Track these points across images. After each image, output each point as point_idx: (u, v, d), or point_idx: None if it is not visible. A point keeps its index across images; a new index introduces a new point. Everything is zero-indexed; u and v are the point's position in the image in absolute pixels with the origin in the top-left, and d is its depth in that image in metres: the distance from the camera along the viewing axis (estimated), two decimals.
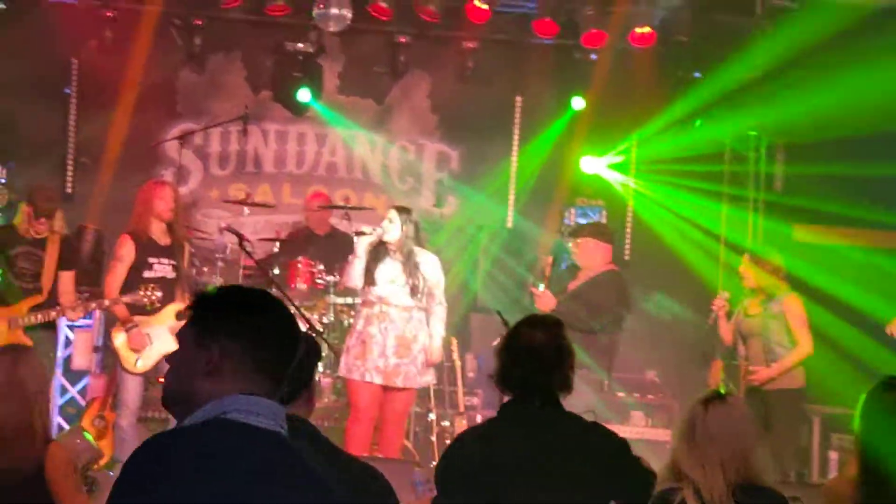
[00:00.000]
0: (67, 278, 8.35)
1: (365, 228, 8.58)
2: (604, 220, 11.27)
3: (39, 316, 8.17)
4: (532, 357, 4.25)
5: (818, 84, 9.72)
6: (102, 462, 7.96)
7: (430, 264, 8.11)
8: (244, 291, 2.82)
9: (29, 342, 7.94)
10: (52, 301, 8.27)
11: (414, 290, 7.97)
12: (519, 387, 4.28)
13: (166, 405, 2.79)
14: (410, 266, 7.99)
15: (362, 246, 8.10)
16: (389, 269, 7.99)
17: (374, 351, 7.88)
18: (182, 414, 2.68)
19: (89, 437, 8.09)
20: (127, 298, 8.09)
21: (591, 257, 8.71)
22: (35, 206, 8.23)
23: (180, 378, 2.72)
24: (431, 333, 8.09)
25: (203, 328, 2.71)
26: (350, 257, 8.16)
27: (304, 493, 2.61)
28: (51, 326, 8.45)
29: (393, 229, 8.00)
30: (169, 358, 2.75)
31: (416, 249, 8.08)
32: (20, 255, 8.25)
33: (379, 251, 8.03)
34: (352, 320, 8.77)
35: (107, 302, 8.22)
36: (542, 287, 8.60)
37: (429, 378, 8.26)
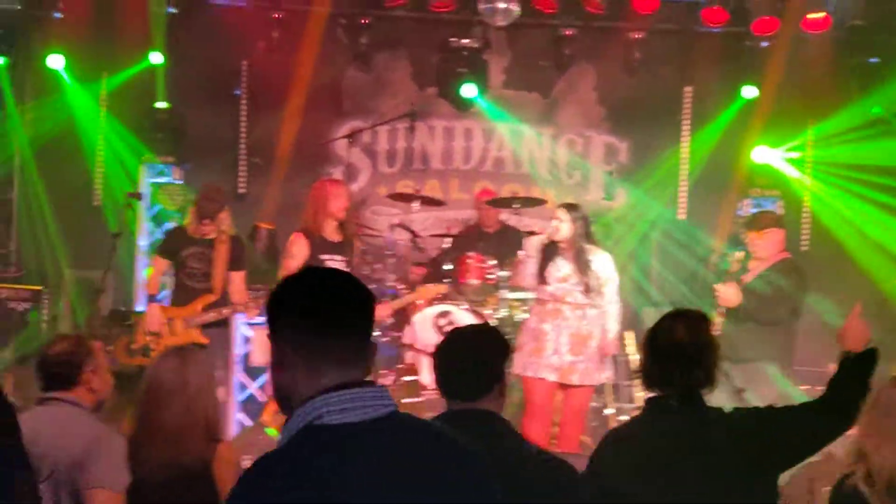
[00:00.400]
0: (238, 278, 8.51)
1: (535, 229, 8.53)
2: (781, 212, 10.98)
3: (213, 314, 8.35)
4: (672, 353, 4.12)
5: None
6: None
7: (602, 262, 8.01)
8: (298, 279, 2.69)
9: (205, 340, 8.16)
10: (225, 300, 8.43)
11: (587, 289, 7.88)
12: (658, 384, 4.17)
13: (279, 407, 2.71)
14: (581, 264, 7.90)
15: (534, 245, 8.07)
16: (561, 268, 7.92)
17: (548, 348, 7.82)
18: (286, 412, 2.63)
19: (271, 432, 8.22)
20: None
21: (773, 247, 8.47)
22: (198, 206, 8.40)
23: (273, 380, 2.66)
24: (607, 329, 7.99)
25: (271, 327, 2.63)
26: (522, 256, 8.11)
27: (414, 479, 2.55)
28: (225, 325, 8.59)
29: (563, 228, 7.93)
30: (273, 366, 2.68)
31: (588, 247, 7.98)
32: (190, 256, 8.43)
33: (550, 250, 7.96)
34: (524, 316, 8.71)
35: None
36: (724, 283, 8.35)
37: (606, 374, 8.16)
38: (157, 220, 11.44)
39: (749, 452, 3.98)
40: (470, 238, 10.38)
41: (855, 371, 4.13)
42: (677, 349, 4.11)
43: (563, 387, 7.87)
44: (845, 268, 10.52)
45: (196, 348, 5.23)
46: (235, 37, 11.04)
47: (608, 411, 9.15)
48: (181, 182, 11.25)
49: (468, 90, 11.18)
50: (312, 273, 2.71)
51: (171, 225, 9.84)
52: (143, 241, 11.30)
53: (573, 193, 11.61)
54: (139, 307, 10.96)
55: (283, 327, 2.59)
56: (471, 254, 9.65)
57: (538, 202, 10.25)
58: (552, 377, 7.80)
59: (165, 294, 8.95)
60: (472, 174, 11.79)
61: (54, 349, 4.68)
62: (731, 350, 7.65)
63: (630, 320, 10.42)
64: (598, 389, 8.93)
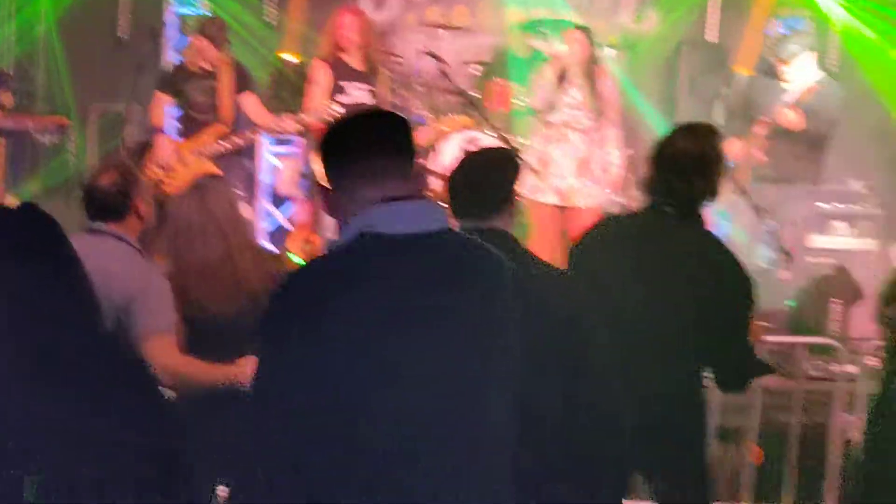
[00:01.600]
0: (250, 100, 8.45)
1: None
2: (811, 33, 10.83)
3: (227, 144, 8.35)
4: (675, 163, 4.21)
5: None
6: None
7: (608, 87, 8.09)
8: (348, 117, 2.90)
9: (219, 171, 8.05)
10: (238, 128, 8.45)
11: (596, 114, 7.98)
12: (660, 194, 4.25)
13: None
14: (591, 89, 7.97)
15: (548, 69, 8.09)
16: (571, 94, 7.98)
17: (553, 172, 7.93)
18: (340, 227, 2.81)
19: (298, 260, 8.41)
20: (325, 114, 8.13)
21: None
22: (212, 37, 8.37)
23: (328, 206, 2.84)
24: (608, 157, 8.11)
25: (325, 164, 2.80)
26: (535, 79, 8.13)
27: (467, 293, 2.69)
28: (242, 154, 8.61)
29: (575, 52, 7.97)
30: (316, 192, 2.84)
31: (597, 70, 8.05)
32: (194, 90, 8.43)
33: (560, 75, 8.02)
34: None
35: (307, 117, 8.26)
36: None
37: (608, 194, 8.27)
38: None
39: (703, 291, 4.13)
40: (500, 64, 10.38)
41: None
42: (680, 159, 4.20)
43: (569, 210, 7.98)
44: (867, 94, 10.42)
45: (210, 181, 5.23)
46: None
47: None
48: (209, 13, 11.21)
49: None
50: (362, 111, 2.91)
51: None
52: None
53: (603, 17, 11.49)
54: None
55: (341, 161, 2.78)
56: (498, 79, 9.68)
57: (567, 24, 10.17)
58: (554, 200, 7.92)
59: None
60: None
61: (104, 179, 4.67)
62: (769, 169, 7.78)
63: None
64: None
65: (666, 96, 10.99)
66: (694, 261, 4.19)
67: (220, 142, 8.38)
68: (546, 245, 7.83)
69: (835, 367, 6.54)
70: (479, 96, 9.69)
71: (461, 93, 9.24)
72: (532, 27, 10.33)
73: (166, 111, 8.65)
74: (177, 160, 8.35)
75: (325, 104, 8.19)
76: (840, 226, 8.66)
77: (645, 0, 11.22)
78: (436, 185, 9.11)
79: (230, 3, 10.96)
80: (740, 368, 4.31)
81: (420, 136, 8.88)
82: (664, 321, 4.11)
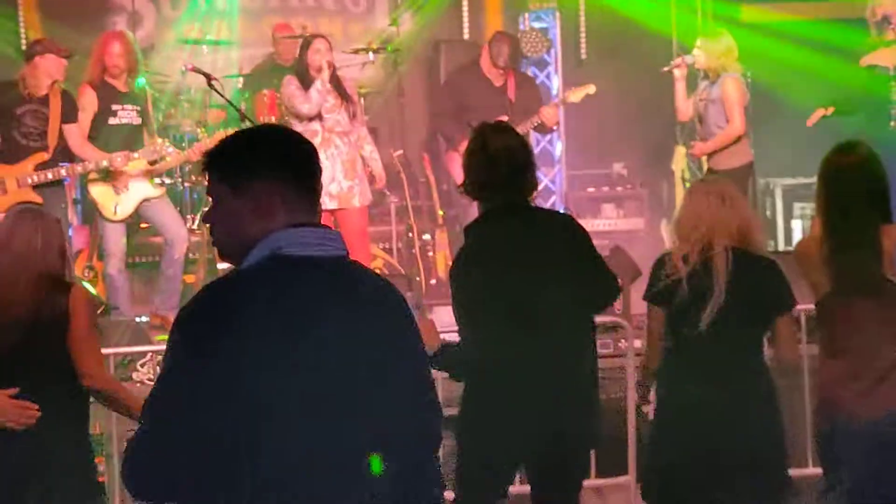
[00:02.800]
0: (74, 131, 8.30)
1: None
2: (558, 24, 11.39)
3: (50, 173, 8.14)
4: (507, 160, 4.48)
5: None
6: (100, 310, 8.18)
7: (350, 85, 8.40)
8: (261, 132, 2.98)
9: (38, 199, 7.95)
10: (56, 158, 8.27)
11: (352, 115, 8.27)
12: (497, 189, 4.52)
13: (224, 258, 2.87)
14: (341, 91, 8.25)
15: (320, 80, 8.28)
16: (327, 98, 8.22)
17: (325, 177, 8.11)
18: (231, 259, 2.80)
19: (87, 285, 8.33)
20: (142, 155, 8.22)
21: None
22: (56, 50, 8.18)
23: (229, 230, 2.78)
24: (367, 156, 8.42)
25: (236, 177, 2.77)
26: (312, 90, 8.27)
27: (372, 315, 2.77)
28: (59, 183, 8.37)
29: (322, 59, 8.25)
30: (207, 216, 2.83)
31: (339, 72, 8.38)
32: (27, 114, 8.20)
33: (307, 80, 8.29)
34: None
35: (120, 158, 8.21)
36: None
37: (369, 194, 8.54)
38: None
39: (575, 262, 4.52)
40: (264, 75, 10.47)
41: None
42: (510, 155, 4.48)
43: (338, 212, 8.20)
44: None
45: (30, 208, 5.18)
46: None
47: (426, 237, 9.57)
48: None
49: None
50: (270, 125, 2.93)
51: None
52: None
53: (361, 22, 11.79)
54: None
55: (254, 174, 2.74)
56: (265, 91, 9.79)
57: (314, 36, 10.32)
58: (333, 205, 8.14)
59: None
60: (258, 11, 11.75)
61: None
62: None
63: (425, 142, 10.81)
64: (402, 212, 9.34)
65: (428, 94, 11.31)
66: (557, 234, 4.56)
67: (46, 171, 8.15)
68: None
69: (623, 344, 6.91)
70: (247, 107, 9.76)
71: (232, 106, 9.29)
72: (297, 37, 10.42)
73: None
74: None
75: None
76: (608, 208, 9.17)
77: (398, 3, 11.47)
78: None
79: None
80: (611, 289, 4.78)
81: (196, 153, 8.89)
82: (553, 288, 4.43)
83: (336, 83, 8.37)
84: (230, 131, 8.75)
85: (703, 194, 4.71)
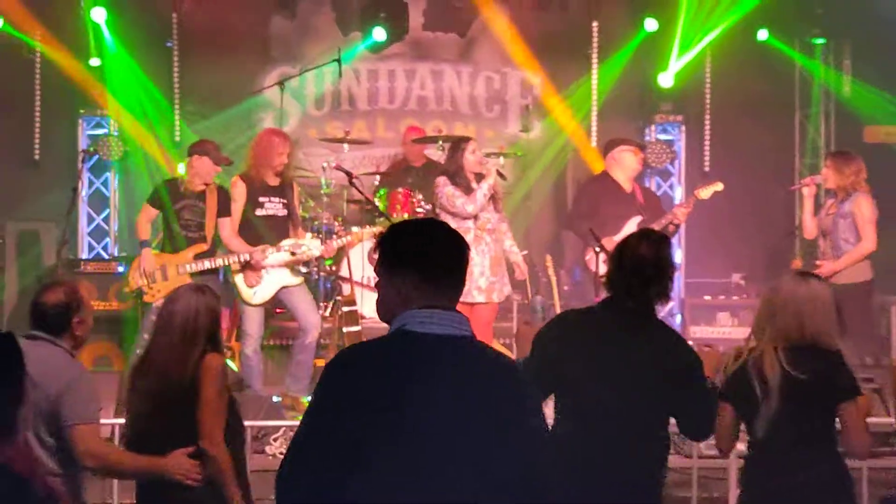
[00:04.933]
0: (226, 224, 8.91)
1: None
2: (684, 134, 11.78)
3: (207, 262, 8.82)
4: (634, 268, 4.75)
5: None
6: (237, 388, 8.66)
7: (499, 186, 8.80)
8: (417, 226, 3.38)
9: None
10: (214, 249, 8.93)
11: (499, 215, 8.66)
12: (620, 292, 4.80)
13: (383, 320, 3.34)
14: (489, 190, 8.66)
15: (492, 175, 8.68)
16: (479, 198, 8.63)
17: (475, 272, 8.50)
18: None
19: (229, 363, 8.85)
20: (283, 247, 8.81)
21: None
22: (213, 157, 8.85)
23: (385, 307, 3.29)
24: (508, 250, 8.83)
25: (384, 263, 3.28)
26: (482, 185, 8.66)
27: (480, 388, 3.17)
28: (215, 272, 8.99)
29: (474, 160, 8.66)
30: (377, 289, 3.34)
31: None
32: (185, 208, 8.88)
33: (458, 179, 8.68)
34: None
35: (261, 251, 8.80)
36: None
37: (508, 288, 8.86)
38: (96, 171, 11.96)
39: (661, 379, 4.65)
40: (398, 174, 11.02)
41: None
42: (639, 264, 4.74)
43: (476, 305, 8.56)
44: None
45: (193, 287, 5.69)
46: None
47: None
48: (117, 133, 11.73)
49: (377, 34, 11.75)
50: (419, 224, 3.39)
51: (162, 178, 9.90)
52: (84, 192, 11.79)
53: (493, 127, 12.34)
54: (83, 254, 11.56)
55: (404, 270, 3.23)
56: (400, 189, 10.30)
57: (461, 137, 10.87)
58: (480, 298, 8.50)
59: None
60: (397, 113, 12.38)
61: (50, 298, 5.13)
62: None
63: (550, 244, 11.20)
64: (523, 308, 9.72)
65: (553, 197, 11.74)
66: (655, 348, 4.71)
67: (203, 260, 8.84)
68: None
69: None
70: (383, 204, 10.25)
71: (368, 202, 9.76)
72: (430, 140, 10.98)
73: (149, 225, 9.06)
74: (159, 273, 8.84)
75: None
76: (722, 316, 9.40)
77: (530, 110, 11.97)
78: (348, 290, 9.65)
79: (142, 121, 11.54)
80: (706, 421, 4.86)
81: (332, 249, 9.40)
82: (632, 397, 4.61)
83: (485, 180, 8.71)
84: (368, 230, 9.48)
85: (786, 291, 4.89)
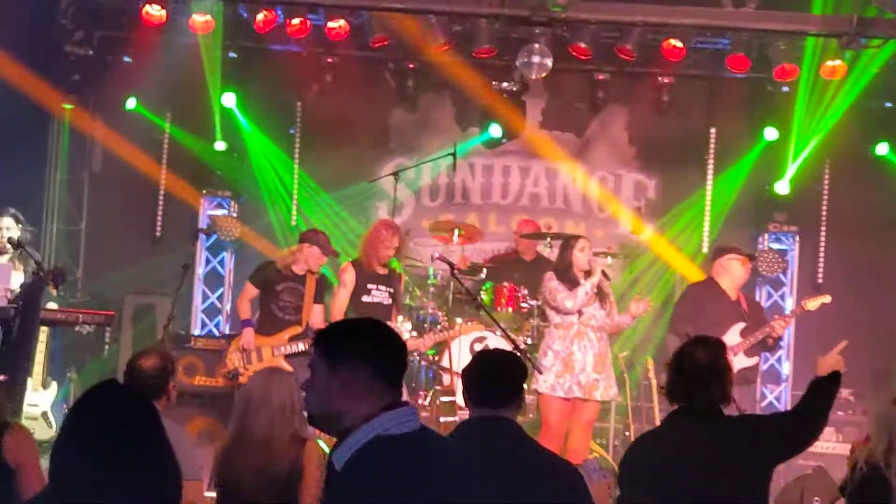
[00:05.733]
0: (320, 311, 9.19)
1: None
2: (798, 244, 11.69)
3: (302, 345, 9.02)
4: (693, 374, 4.86)
5: None
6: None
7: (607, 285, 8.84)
8: (358, 325, 3.42)
9: (289, 368, 8.60)
10: (307, 332, 9.11)
11: (607, 314, 8.68)
12: (682, 399, 4.91)
13: (313, 424, 3.38)
14: (601, 292, 8.68)
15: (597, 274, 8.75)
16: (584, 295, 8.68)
17: (576, 368, 8.52)
18: (329, 430, 3.31)
19: (321, 443, 8.96)
20: None
21: None
22: (323, 247, 9.12)
23: (320, 402, 3.28)
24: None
25: (331, 359, 3.27)
26: (585, 283, 8.74)
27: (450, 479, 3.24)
28: (307, 355, 9.15)
29: (584, 258, 8.73)
30: (304, 384, 3.33)
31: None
32: (285, 290, 9.13)
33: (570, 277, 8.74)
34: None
35: None
36: None
37: (614, 390, 8.83)
38: (213, 250, 12.31)
39: (746, 451, 4.74)
40: (506, 268, 11.09)
41: (822, 391, 4.94)
42: (697, 370, 4.86)
43: (577, 400, 8.55)
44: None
45: (280, 370, 5.97)
46: (291, 80, 11.89)
47: (629, 432, 9.82)
48: (235, 215, 12.10)
49: (494, 130, 11.93)
50: (371, 320, 3.44)
51: (264, 259, 10.10)
52: (200, 270, 12.15)
53: (604, 227, 12.38)
54: (195, 330, 11.85)
55: (350, 364, 3.25)
56: (506, 283, 10.38)
57: (572, 236, 10.93)
58: (579, 393, 8.50)
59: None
60: (509, 208, 12.53)
61: (147, 363, 5.42)
62: None
63: (654, 347, 11.13)
64: (621, 411, 9.65)
65: (666, 299, 11.70)
66: (729, 444, 4.78)
67: (298, 342, 9.05)
68: (553, 438, 8.36)
69: None
70: (487, 296, 10.34)
71: (471, 295, 9.87)
72: (541, 235, 11.07)
73: (249, 304, 9.28)
74: (255, 353, 9.07)
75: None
76: (827, 431, 9.21)
77: (643, 213, 12.00)
78: (448, 380, 9.72)
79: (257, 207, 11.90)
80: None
81: (432, 340, 9.50)
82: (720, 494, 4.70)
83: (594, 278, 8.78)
84: (473, 326, 9.56)
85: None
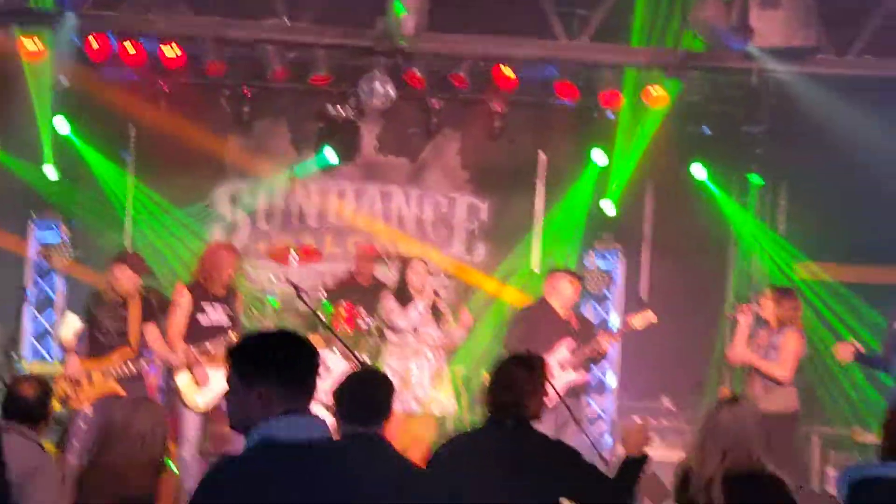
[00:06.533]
0: (151, 330, 9.11)
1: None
2: (622, 262, 12.17)
3: (131, 367, 8.96)
4: (507, 388, 5.14)
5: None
6: None
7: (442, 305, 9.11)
8: (268, 337, 3.57)
9: (122, 391, 8.69)
10: (141, 354, 9.07)
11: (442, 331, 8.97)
12: (497, 412, 5.17)
13: (234, 429, 3.52)
14: (435, 309, 8.95)
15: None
16: (419, 313, 8.92)
17: (413, 383, 8.75)
18: (242, 432, 3.46)
19: (170, 463, 8.97)
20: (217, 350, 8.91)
21: None
22: (134, 267, 9.07)
23: (237, 412, 3.47)
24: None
25: (243, 374, 3.44)
26: (412, 310, 8.95)
27: (335, 492, 3.37)
28: (141, 378, 9.12)
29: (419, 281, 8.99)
30: (225, 395, 3.51)
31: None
32: (106, 317, 9.05)
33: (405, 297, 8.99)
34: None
35: (203, 347, 8.96)
36: None
37: (454, 406, 9.09)
38: (43, 274, 12.17)
39: (544, 477, 5.00)
40: (344, 292, 11.25)
41: (631, 473, 5.30)
42: (512, 385, 5.13)
43: (415, 418, 8.78)
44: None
45: (145, 398, 6.03)
46: (125, 105, 11.81)
47: None
48: (67, 239, 11.97)
49: (329, 155, 12.08)
50: (282, 332, 3.62)
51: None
52: (30, 295, 11.97)
53: (439, 249, 12.67)
54: (27, 356, 11.67)
55: (264, 377, 3.40)
56: (343, 302, 10.53)
57: (408, 257, 11.17)
58: (416, 408, 8.72)
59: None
60: (345, 230, 12.72)
61: (26, 391, 5.48)
62: None
63: (491, 363, 11.40)
64: (458, 425, 9.94)
65: (498, 316, 12.00)
66: (538, 459, 5.06)
67: (125, 365, 8.98)
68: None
69: None
70: (328, 317, 10.46)
71: (316, 315, 9.98)
72: (379, 258, 11.27)
73: (75, 332, 9.12)
74: (85, 378, 8.94)
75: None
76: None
77: (475, 235, 12.31)
78: None
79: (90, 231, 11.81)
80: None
81: None
82: None
83: (430, 299, 9.05)
84: (314, 338, 9.68)
85: (726, 419, 5.14)
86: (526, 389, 5.12)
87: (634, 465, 5.26)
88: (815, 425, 10.28)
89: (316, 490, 3.32)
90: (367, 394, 4.85)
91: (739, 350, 9.27)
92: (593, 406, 12.08)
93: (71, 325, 9.10)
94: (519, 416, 5.11)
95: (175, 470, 8.92)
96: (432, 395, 8.78)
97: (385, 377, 5.13)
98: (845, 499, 4.46)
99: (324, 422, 3.47)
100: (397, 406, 8.59)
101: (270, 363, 3.42)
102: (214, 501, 3.29)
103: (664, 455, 9.37)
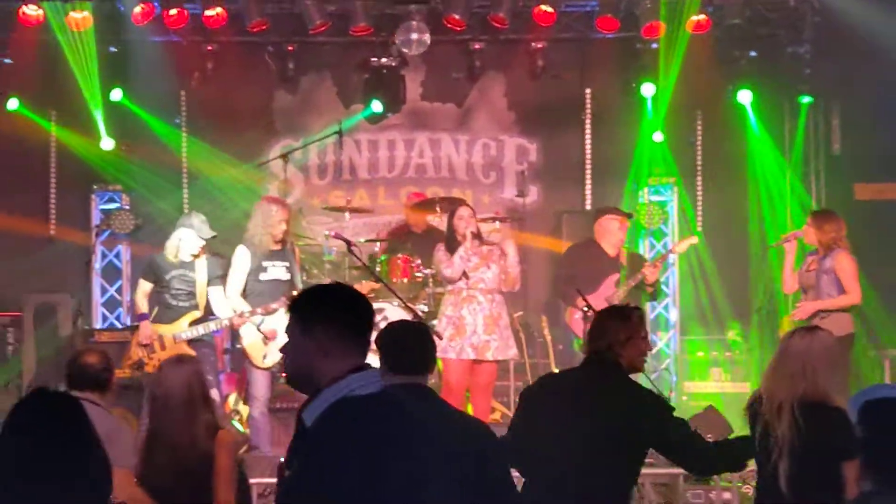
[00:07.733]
0: (216, 293, 9.29)
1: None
2: (675, 198, 12.17)
3: (201, 329, 9.20)
4: (601, 336, 5.35)
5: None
6: (244, 448, 8.98)
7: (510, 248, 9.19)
8: (328, 288, 3.64)
9: (192, 352, 8.75)
10: (208, 316, 9.28)
11: (495, 275, 9.01)
12: (587, 355, 5.42)
13: (291, 385, 3.58)
14: (487, 253, 9.02)
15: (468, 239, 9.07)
16: (472, 259, 8.99)
17: (467, 331, 8.86)
18: (305, 389, 3.47)
19: (236, 424, 9.20)
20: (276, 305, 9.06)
21: None
22: (198, 230, 9.22)
23: (295, 362, 3.49)
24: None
25: (304, 325, 3.47)
26: (456, 256, 9.03)
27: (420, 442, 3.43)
28: (210, 338, 9.39)
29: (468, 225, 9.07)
30: (283, 348, 3.55)
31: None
32: (175, 278, 9.23)
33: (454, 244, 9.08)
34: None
35: (274, 305, 9.10)
36: None
37: (513, 351, 9.18)
38: (108, 244, 12.41)
39: (629, 429, 5.15)
40: (399, 240, 11.38)
41: (736, 450, 5.44)
42: (603, 333, 5.33)
43: (475, 364, 8.90)
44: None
45: (179, 356, 6.20)
46: (173, 70, 11.99)
47: None
48: (128, 208, 12.21)
49: (375, 106, 12.13)
50: (339, 284, 3.70)
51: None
52: (97, 265, 12.22)
53: (490, 193, 12.74)
54: (97, 324, 11.95)
55: (324, 324, 3.43)
56: (399, 255, 10.64)
57: (459, 202, 11.24)
58: (472, 355, 8.84)
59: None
60: (396, 181, 12.81)
61: (93, 359, 5.72)
62: None
63: (548, 306, 11.53)
64: (520, 368, 10.03)
65: (549, 260, 12.08)
66: (622, 399, 5.22)
67: (197, 327, 9.20)
68: (455, 398, 8.70)
69: (713, 495, 7.44)
70: (381, 269, 10.59)
71: (367, 268, 10.11)
72: (429, 204, 11.35)
73: (146, 299, 9.40)
74: (157, 342, 9.19)
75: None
76: (716, 372, 9.71)
77: (526, 177, 12.36)
78: None
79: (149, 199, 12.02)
80: (705, 458, 5.38)
81: None
82: (600, 445, 5.10)
83: (483, 244, 9.12)
84: (368, 284, 9.82)
85: (795, 346, 5.25)
86: (618, 339, 5.27)
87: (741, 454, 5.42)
88: (887, 349, 10.29)
89: (413, 442, 3.39)
90: (415, 345, 4.94)
91: (788, 279, 9.27)
92: (656, 342, 12.13)
93: (141, 291, 9.34)
94: (608, 360, 5.26)
95: (240, 427, 9.23)
96: (486, 340, 8.86)
97: (422, 329, 5.25)
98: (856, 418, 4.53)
99: (378, 375, 3.51)
100: (452, 354, 8.85)
101: (330, 314, 3.47)
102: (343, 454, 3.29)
103: (732, 388, 9.45)
